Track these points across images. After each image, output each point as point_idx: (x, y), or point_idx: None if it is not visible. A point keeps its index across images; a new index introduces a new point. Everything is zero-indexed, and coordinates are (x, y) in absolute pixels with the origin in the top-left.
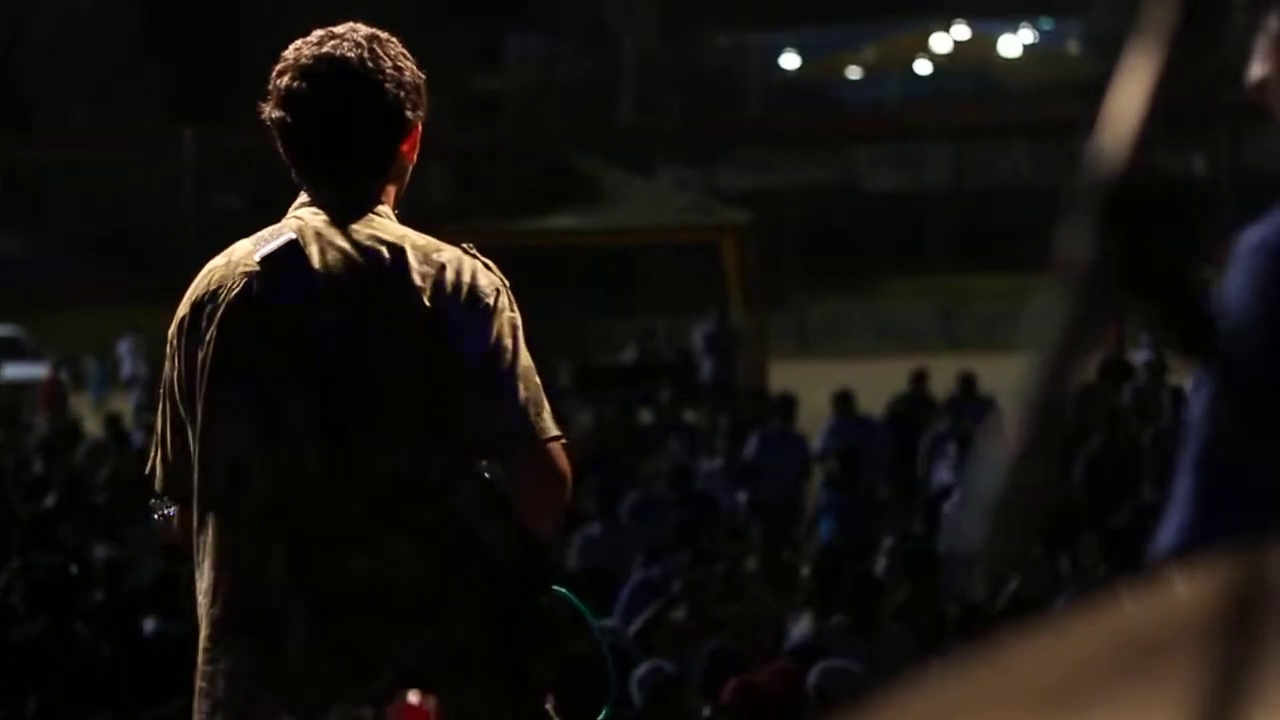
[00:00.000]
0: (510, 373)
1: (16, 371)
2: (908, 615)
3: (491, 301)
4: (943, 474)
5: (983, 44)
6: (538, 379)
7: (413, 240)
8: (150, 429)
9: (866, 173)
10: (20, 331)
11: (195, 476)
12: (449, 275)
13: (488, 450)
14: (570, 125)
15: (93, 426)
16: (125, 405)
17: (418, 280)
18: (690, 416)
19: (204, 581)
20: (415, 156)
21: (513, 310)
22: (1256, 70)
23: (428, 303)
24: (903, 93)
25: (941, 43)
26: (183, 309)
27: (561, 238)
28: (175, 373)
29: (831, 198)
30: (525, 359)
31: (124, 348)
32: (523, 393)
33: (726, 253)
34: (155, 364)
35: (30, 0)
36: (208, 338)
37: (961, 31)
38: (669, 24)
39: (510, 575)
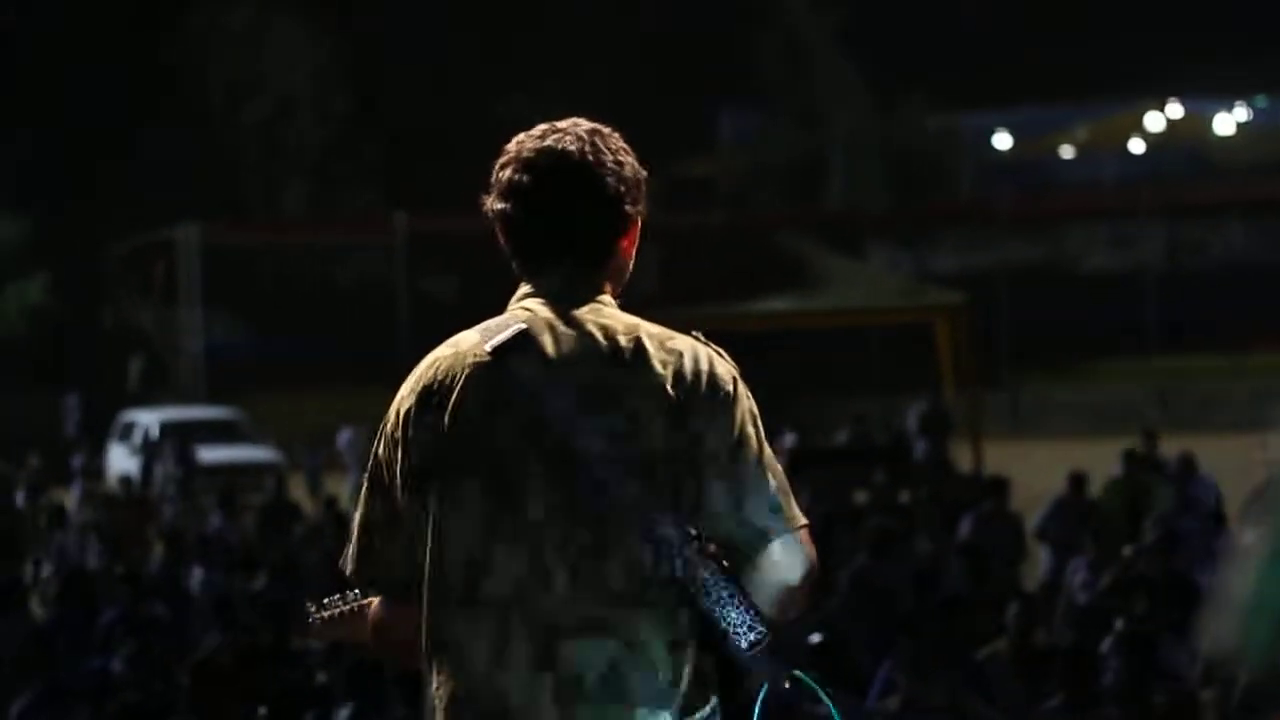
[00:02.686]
0: (758, 462)
1: (235, 454)
2: (1121, 697)
3: (731, 390)
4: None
5: (1197, 122)
6: (779, 465)
7: (647, 329)
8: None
9: (1080, 252)
10: (237, 414)
11: (428, 570)
12: (687, 363)
13: (739, 539)
14: (781, 207)
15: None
16: (341, 489)
17: (659, 368)
18: (904, 498)
19: (439, 673)
20: (634, 253)
21: (749, 398)
22: None
23: (670, 391)
24: (1117, 172)
25: (1155, 121)
26: (406, 400)
27: (773, 320)
28: (397, 463)
29: (1044, 278)
30: (767, 447)
31: (344, 439)
32: (772, 482)
33: (939, 334)
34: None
35: (245, 81)
36: (440, 429)
37: (1176, 110)
38: (880, 104)
39: (748, 659)
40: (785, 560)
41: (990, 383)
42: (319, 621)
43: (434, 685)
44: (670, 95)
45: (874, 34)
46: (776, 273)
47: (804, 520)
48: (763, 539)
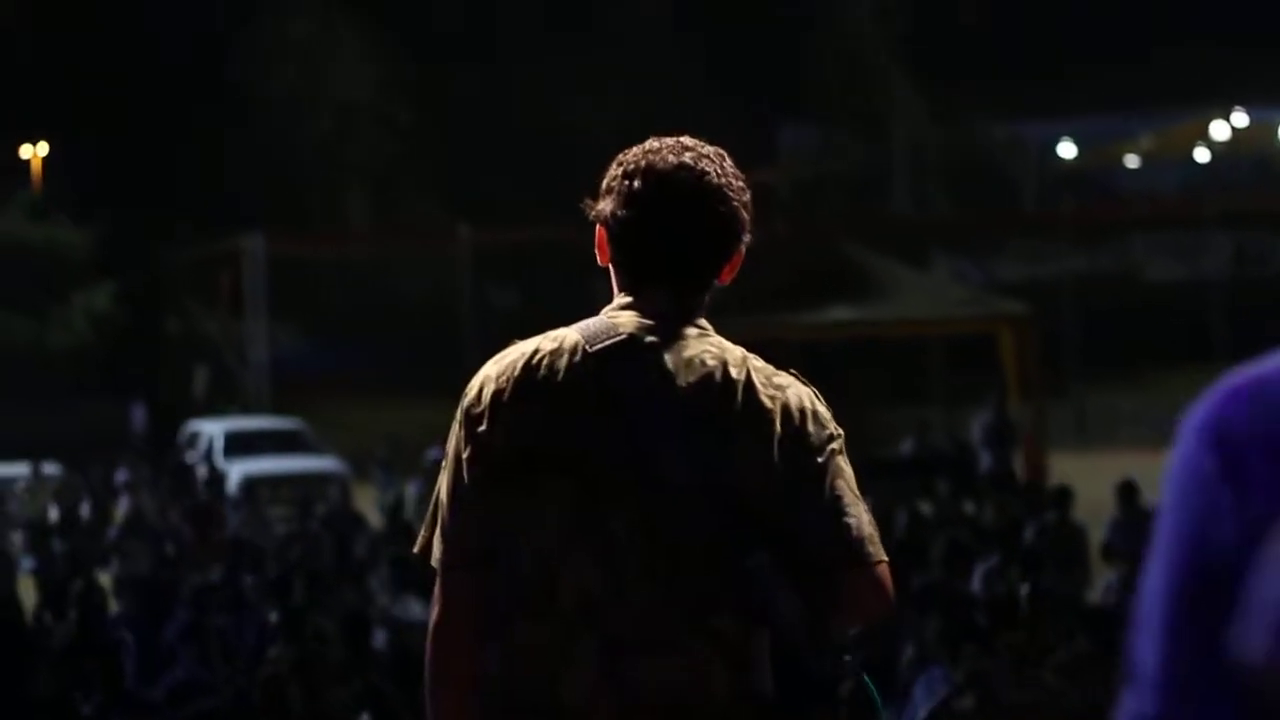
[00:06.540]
0: (852, 498)
1: (301, 464)
2: None
3: (832, 430)
4: None
5: (1263, 131)
6: (868, 514)
7: (754, 361)
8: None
9: (1145, 262)
10: (301, 424)
11: (500, 562)
12: (793, 399)
13: (824, 560)
14: (844, 217)
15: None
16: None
17: (767, 401)
18: (968, 508)
19: (489, 665)
20: (730, 280)
21: (842, 439)
22: None
23: (778, 425)
24: (1181, 181)
25: (1221, 130)
26: (496, 381)
27: (837, 330)
28: (480, 448)
29: (1109, 288)
30: (857, 494)
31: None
32: (863, 516)
33: (1004, 344)
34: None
35: (309, 92)
36: (534, 421)
37: (1241, 119)
38: (942, 114)
39: (819, 691)
40: (869, 592)
41: (1056, 393)
42: None
43: (484, 672)
44: (730, 102)
45: (936, 43)
46: (840, 282)
47: (885, 556)
48: (849, 562)
